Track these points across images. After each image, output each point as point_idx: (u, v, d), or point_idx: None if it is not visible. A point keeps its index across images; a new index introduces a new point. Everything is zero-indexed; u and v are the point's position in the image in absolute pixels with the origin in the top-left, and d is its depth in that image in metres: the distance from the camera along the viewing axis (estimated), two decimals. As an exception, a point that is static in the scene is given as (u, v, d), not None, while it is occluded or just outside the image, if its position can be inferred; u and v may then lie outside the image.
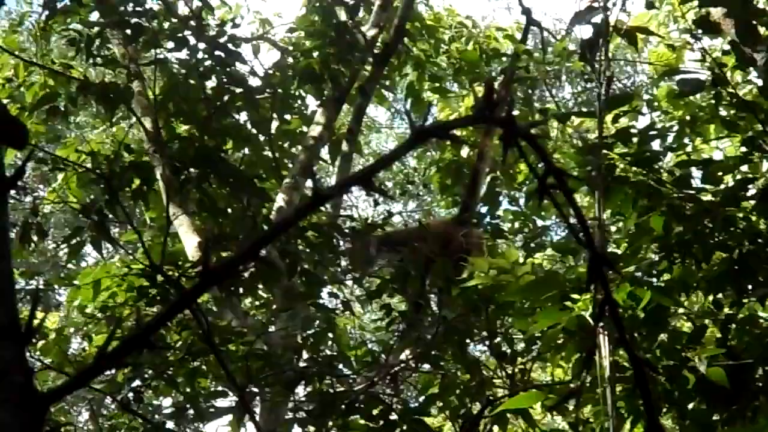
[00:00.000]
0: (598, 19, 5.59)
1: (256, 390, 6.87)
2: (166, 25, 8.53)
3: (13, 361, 2.92)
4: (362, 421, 6.40)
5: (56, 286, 10.94)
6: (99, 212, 7.67)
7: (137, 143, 8.86)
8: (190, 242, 8.02)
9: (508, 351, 6.82)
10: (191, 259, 7.84)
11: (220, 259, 6.67)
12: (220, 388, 7.25)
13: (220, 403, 7.17)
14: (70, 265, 10.61)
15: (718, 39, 7.78)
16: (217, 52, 8.37)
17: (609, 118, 6.09)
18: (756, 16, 5.76)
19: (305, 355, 6.82)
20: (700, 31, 6.10)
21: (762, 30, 5.79)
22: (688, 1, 6.37)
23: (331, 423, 6.39)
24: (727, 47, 6.23)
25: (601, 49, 5.50)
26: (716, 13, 6.42)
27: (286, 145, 9.32)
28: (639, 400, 5.24)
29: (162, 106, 8.48)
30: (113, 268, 7.83)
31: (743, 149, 5.98)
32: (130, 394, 6.85)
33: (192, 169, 8.18)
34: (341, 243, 7.66)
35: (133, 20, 8.29)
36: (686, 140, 6.72)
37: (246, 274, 7.40)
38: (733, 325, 5.78)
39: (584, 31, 7.74)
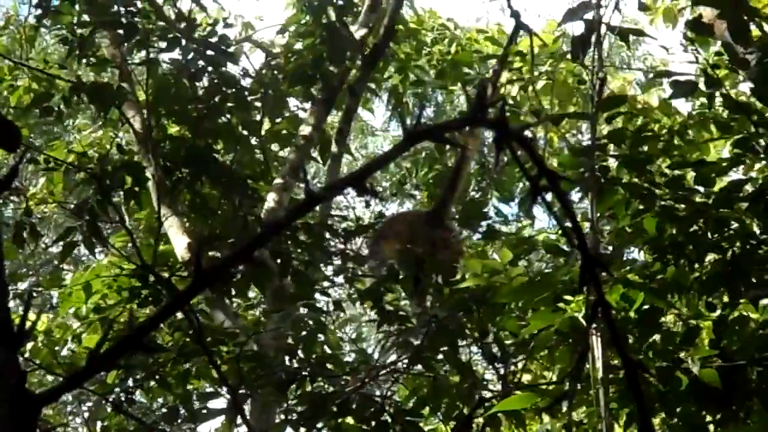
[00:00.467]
0: (590, 16, 5.57)
1: (248, 391, 6.86)
2: (156, 25, 8.52)
3: (5, 363, 2.91)
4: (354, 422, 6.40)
5: (43, 289, 10.92)
6: (91, 212, 7.66)
7: (130, 143, 8.85)
8: (179, 243, 8.01)
9: (499, 353, 6.81)
10: (181, 260, 7.83)
11: (211, 260, 6.67)
12: (212, 390, 7.25)
13: (212, 404, 7.17)
14: (64, 266, 10.59)
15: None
16: (208, 52, 8.36)
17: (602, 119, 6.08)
18: (749, 16, 5.75)
19: (297, 356, 6.81)
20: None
21: (754, 29, 5.79)
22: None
23: (323, 424, 6.38)
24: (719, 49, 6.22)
25: (594, 49, 5.49)
26: (708, 14, 6.41)
27: (275, 147, 9.32)
28: (632, 401, 5.24)
29: (153, 106, 8.46)
30: (104, 271, 7.82)
31: (736, 150, 5.98)
32: (122, 395, 6.84)
33: (184, 169, 8.17)
34: (333, 243, 7.64)
35: (125, 20, 8.28)
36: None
37: (238, 275, 7.40)
38: (727, 327, 5.78)
39: (576, 30, 7.73)
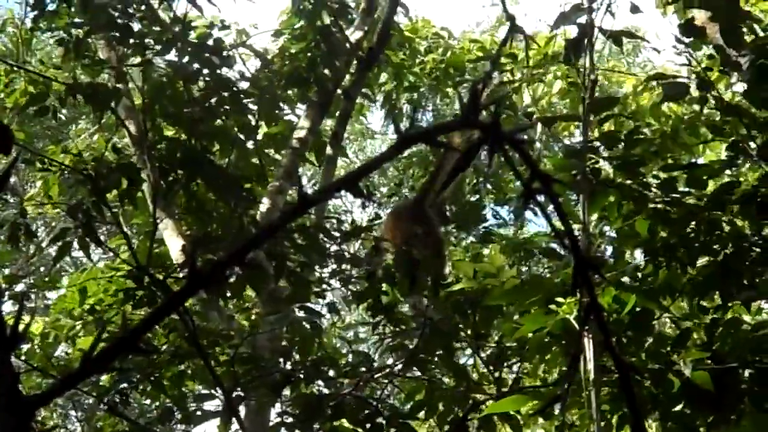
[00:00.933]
0: (583, 19, 5.59)
1: (243, 393, 6.87)
2: (151, 29, 8.52)
3: (-2, 365, 2.91)
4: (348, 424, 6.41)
5: (38, 289, 10.93)
6: (86, 213, 7.65)
7: (126, 147, 8.85)
8: (174, 245, 8.02)
9: (490, 355, 6.82)
10: (175, 262, 7.84)
11: (206, 261, 6.67)
12: (206, 392, 7.25)
13: (207, 406, 7.17)
14: (58, 267, 10.60)
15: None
16: (204, 55, 8.36)
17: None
18: (741, 19, 5.76)
19: (292, 358, 6.82)
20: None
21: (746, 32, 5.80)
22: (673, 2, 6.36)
23: (318, 426, 6.39)
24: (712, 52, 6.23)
25: (586, 52, 5.51)
26: (701, 17, 6.42)
27: (271, 151, 9.33)
28: (624, 403, 5.25)
29: (149, 108, 8.47)
30: (99, 273, 7.83)
31: (728, 153, 5.99)
32: (117, 397, 6.84)
33: (179, 171, 8.17)
34: (328, 245, 7.64)
35: (119, 22, 8.28)
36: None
37: (233, 277, 7.40)
38: (718, 329, 5.79)
39: (570, 33, 7.75)
